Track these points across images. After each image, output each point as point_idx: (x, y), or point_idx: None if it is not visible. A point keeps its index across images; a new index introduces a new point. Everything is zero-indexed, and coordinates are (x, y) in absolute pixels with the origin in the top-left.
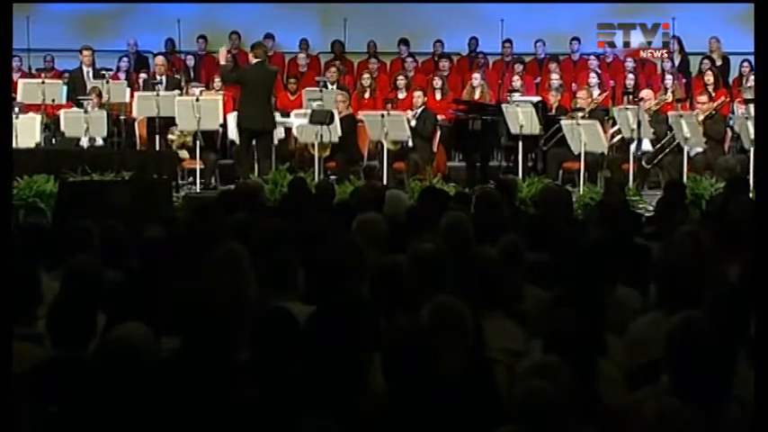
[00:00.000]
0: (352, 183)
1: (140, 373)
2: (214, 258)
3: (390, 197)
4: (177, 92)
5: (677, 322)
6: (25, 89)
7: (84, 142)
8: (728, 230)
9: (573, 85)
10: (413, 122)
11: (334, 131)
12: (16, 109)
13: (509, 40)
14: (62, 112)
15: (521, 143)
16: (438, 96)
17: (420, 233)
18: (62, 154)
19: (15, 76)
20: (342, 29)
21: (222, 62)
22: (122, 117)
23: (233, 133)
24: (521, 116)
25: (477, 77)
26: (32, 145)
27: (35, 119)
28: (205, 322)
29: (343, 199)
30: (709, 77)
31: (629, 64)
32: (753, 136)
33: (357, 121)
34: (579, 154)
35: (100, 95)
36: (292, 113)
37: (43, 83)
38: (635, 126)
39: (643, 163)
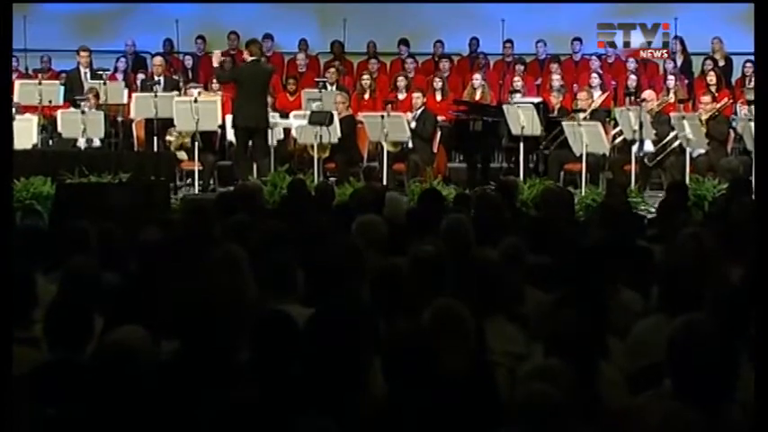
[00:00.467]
0: (351, 184)
1: (138, 376)
2: (212, 260)
3: (390, 199)
4: (175, 93)
5: (679, 325)
6: (22, 90)
7: (82, 143)
8: (731, 232)
9: (574, 85)
10: (412, 124)
11: (334, 132)
12: (13, 110)
13: (510, 41)
14: (59, 113)
15: (522, 144)
16: (438, 97)
17: (420, 235)
18: (59, 155)
19: (12, 76)
20: (341, 29)
21: (216, 64)
22: (120, 118)
23: (232, 134)
24: (522, 117)
25: (477, 78)
26: (29, 146)
27: (32, 120)
28: (204, 324)
29: (343, 201)
30: (712, 78)
31: (631, 64)
32: None
33: (357, 122)
34: (581, 155)
35: (97, 96)
36: (291, 114)
37: (40, 84)
38: (637, 127)
39: (645, 161)
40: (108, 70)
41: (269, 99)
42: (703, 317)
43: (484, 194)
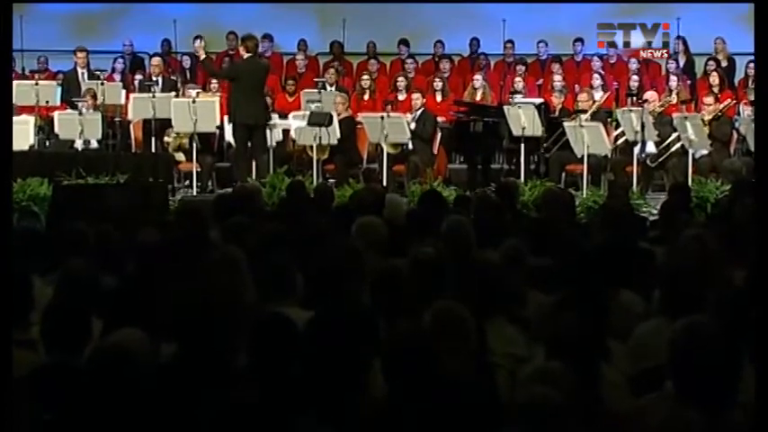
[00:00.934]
0: (351, 186)
1: (137, 379)
2: (211, 262)
3: (390, 200)
4: (173, 93)
5: (681, 327)
6: (19, 91)
7: (79, 145)
8: (734, 234)
9: (576, 86)
10: (412, 125)
11: (333, 134)
12: None
13: (511, 41)
14: (56, 114)
15: (523, 145)
16: (439, 98)
17: (420, 237)
18: (56, 157)
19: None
20: (341, 29)
21: (202, 56)
22: (117, 119)
23: (230, 135)
24: (523, 118)
25: (478, 79)
26: (26, 147)
27: (28, 121)
28: (202, 327)
29: (343, 202)
30: (715, 79)
31: (633, 65)
32: None
33: (356, 123)
34: (582, 157)
35: (95, 97)
36: (290, 115)
37: (37, 84)
38: (639, 128)
39: (648, 162)
40: (105, 71)
41: (267, 100)
42: (705, 319)
43: (484, 196)
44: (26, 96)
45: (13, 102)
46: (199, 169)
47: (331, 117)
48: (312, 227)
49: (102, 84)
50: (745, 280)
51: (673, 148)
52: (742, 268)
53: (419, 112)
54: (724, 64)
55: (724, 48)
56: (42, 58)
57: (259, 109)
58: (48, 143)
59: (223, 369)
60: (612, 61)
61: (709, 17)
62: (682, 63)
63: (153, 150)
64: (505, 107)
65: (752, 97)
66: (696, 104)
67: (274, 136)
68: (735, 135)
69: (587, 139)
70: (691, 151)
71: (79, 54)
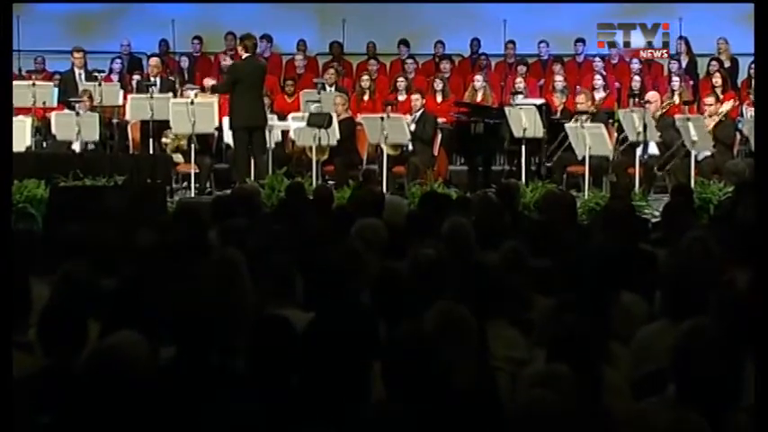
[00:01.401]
0: (350, 187)
1: (134, 382)
2: (210, 264)
3: (390, 202)
4: (171, 94)
5: (684, 330)
6: (15, 91)
7: (77, 146)
8: (737, 236)
9: (577, 87)
10: (412, 126)
11: (333, 135)
12: None
13: (512, 41)
14: (53, 115)
15: (524, 147)
16: (439, 99)
17: (421, 239)
18: (53, 158)
19: (11, 76)
20: (340, 29)
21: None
22: (115, 120)
23: (228, 136)
24: (524, 119)
25: (479, 79)
26: (23, 149)
27: (25, 122)
28: (201, 329)
29: (342, 204)
30: (718, 79)
31: (635, 66)
32: None
33: (356, 123)
34: (584, 158)
35: (91, 99)
36: (290, 116)
37: (34, 85)
38: (641, 129)
39: (656, 170)
40: (103, 71)
41: (266, 101)
42: (708, 322)
43: (485, 198)
44: (23, 97)
45: None
46: (197, 170)
47: (330, 118)
48: (312, 228)
49: (100, 84)
50: (749, 282)
51: (674, 148)
52: (745, 270)
53: (419, 113)
54: (727, 64)
55: (727, 48)
56: (39, 58)
57: (259, 110)
58: (45, 144)
59: (222, 372)
60: (614, 62)
61: (712, 17)
62: (684, 64)
63: (151, 152)
64: (506, 108)
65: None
66: (698, 105)
67: (273, 137)
68: (738, 136)
69: (589, 140)
70: (693, 153)
71: (76, 54)
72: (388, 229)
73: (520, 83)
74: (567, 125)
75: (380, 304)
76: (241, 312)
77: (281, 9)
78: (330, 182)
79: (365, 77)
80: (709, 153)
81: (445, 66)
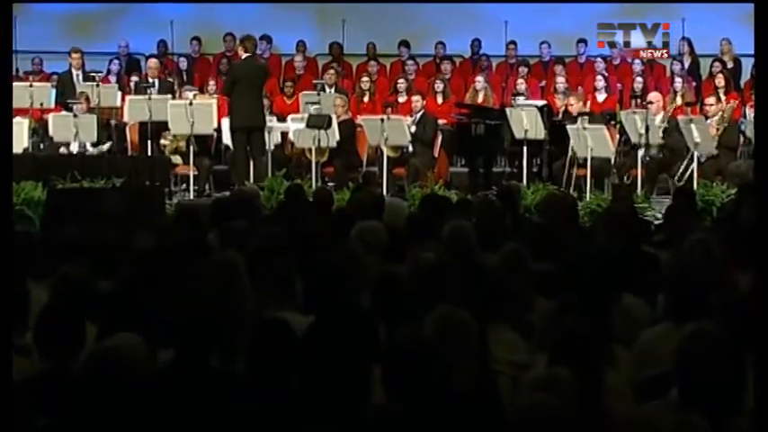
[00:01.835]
0: (350, 189)
1: (132, 384)
2: (208, 267)
3: (390, 204)
4: (170, 95)
5: (687, 333)
6: (13, 92)
7: (75, 148)
8: (740, 238)
9: (579, 88)
10: (412, 128)
11: (332, 136)
12: None
13: (513, 42)
14: (50, 116)
15: (525, 148)
16: (440, 100)
17: (421, 242)
18: (51, 160)
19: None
20: (340, 30)
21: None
22: (113, 122)
23: (227, 138)
24: (525, 120)
25: (480, 80)
26: (20, 150)
27: (22, 123)
28: (200, 332)
29: (342, 206)
30: (721, 80)
31: (637, 66)
32: None
33: (356, 125)
34: (585, 159)
35: (88, 100)
36: (289, 117)
37: (31, 86)
38: (643, 131)
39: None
40: (101, 72)
41: (265, 102)
42: (711, 325)
43: (485, 200)
44: (20, 98)
45: None
46: (196, 172)
47: (330, 119)
48: (311, 231)
49: (98, 85)
50: (752, 284)
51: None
52: (748, 272)
53: (419, 115)
54: (730, 65)
55: (730, 49)
56: (37, 59)
57: (259, 111)
58: (42, 146)
59: (221, 375)
60: (616, 63)
61: (714, 17)
62: (687, 64)
63: (149, 153)
64: (507, 109)
65: None
66: (701, 107)
67: (273, 138)
68: (740, 138)
69: (591, 141)
70: (696, 154)
71: (74, 55)
72: (389, 232)
73: (521, 84)
74: (568, 127)
75: (380, 307)
76: (241, 314)
77: (280, 9)
78: (330, 184)
79: (365, 78)
80: (712, 154)
81: (446, 67)
